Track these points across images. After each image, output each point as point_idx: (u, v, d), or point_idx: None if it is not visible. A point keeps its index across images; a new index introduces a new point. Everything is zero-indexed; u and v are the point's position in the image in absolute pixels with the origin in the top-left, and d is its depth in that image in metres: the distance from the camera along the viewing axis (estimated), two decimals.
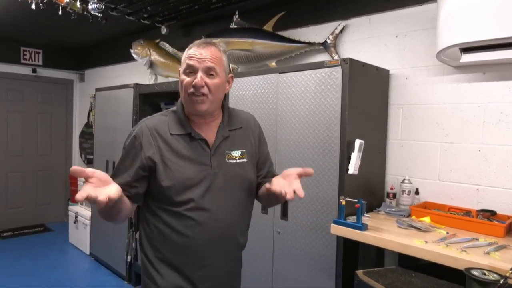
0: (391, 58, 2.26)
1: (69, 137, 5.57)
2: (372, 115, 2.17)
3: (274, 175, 1.34)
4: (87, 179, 0.96)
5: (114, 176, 1.17)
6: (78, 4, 2.74)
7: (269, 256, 2.25)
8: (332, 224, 1.79)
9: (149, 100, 3.51)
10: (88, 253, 4.14)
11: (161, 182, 1.16)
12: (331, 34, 2.49)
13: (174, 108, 1.28)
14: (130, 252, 3.42)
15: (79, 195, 0.90)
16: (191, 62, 1.16)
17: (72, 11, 2.82)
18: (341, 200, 1.75)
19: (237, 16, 2.74)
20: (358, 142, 1.90)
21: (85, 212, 4.23)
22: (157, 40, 3.54)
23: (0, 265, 3.86)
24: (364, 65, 2.04)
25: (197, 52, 1.17)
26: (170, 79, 3.51)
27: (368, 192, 2.14)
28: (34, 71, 5.06)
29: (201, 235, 1.18)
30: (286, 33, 2.71)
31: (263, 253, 2.28)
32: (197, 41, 1.22)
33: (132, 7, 3.11)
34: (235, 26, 2.76)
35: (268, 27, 2.68)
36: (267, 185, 1.18)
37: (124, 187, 1.15)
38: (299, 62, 2.67)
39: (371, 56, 2.33)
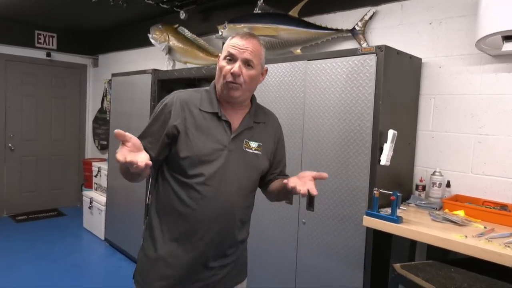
0: (423, 46, 2.19)
1: (82, 122, 5.57)
2: (403, 105, 2.10)
3: (285, 175, 1.45)
4: (124, 143, 1.03)
5: (140, 138, 1.22)
6: None
7: (292, 246, 2.22)
8: (364, 216, 1.76)
9: (166, 87, 3.46)
10: (103, 238, 4.16)
11: (180, 152, 1.23)
12: (360, 20, 2.41)
13: (207, 87, 1.35)
14: None
15: (120, 156, 0.99)
16: (232, 51, 1.23)
17: None
18: (374, 191, 1.71)
19: (261, 1, 2.66)
20: (391, 133, 1.85)
21: (100, 197, 4.24)
22: (176, 25, 3.47)
23: (17, 248, 3.90)
24: (399, 53, 1.97)
25: (240, 42, 1.23)
26: (189, 65, 3.45)
27: (396, 183, 2.09)
28: (48, 55, 5.03)
29: (204, 208, 1.24)
30: (311, 20, 2.63)
31: (286, 243, 2.26)
32: (241, 32, 1.29)
33: None
34: (259, 11, 2.69)
35: (293, 12, 2.60)
36: (284, 181, 1.23)
37: (148, 150, 1.21)
38: (325, 49, 2.60)
39: (402, 44, 2.25)
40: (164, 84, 3.42)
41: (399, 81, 2.01)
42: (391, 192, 1.65)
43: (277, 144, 1.43)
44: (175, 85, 3.49)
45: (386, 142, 1.85)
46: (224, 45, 1.28)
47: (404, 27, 2.27)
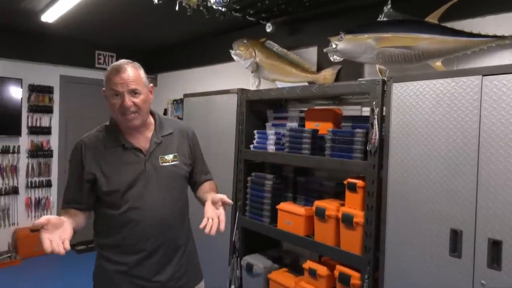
0: None
1: None
2: None
3: (207, 172, 1.72)
4: (43, 227, 1.12)
5: (66, 190, 1.46)
6: None
7: None
8: None
9: (251, 107, 3.07)
10: None
11: (102, 188, 1.40)
12: None
13: (107, 123, 1.50)
14: (234, 281, 3.00)
15: (47, 248, 1.10)
16: (115, 88, 1.36)
17: (187, 6, 2.43)
18: None
19: (389, 6, 2.24)
20: None
21: None
22: (262, 39, 3.11)
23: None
24: None
25: (117, 79, 1.35)
26: (278, 84, 3.06)
27: None
28: None
29: (138, 232, 1.41)
30: (450, 26, 2.18)
31: None
32: (114, 68, 1.38)
33: (244, 1, 2.67)
34: (385, 19, 2.26)
35: (433, 18, 2.15)
36: (205, 203, 1.42)
37: (76, 201, 1.43)
38: (470, 61, 2.14)
39: None
40: (250, 105, 3.04)
41: None
42: None
43: (193, 146, 1.62)
44: (260, 105, 3.11)
45: None
46: (104, 83, 1.39)
47: None
